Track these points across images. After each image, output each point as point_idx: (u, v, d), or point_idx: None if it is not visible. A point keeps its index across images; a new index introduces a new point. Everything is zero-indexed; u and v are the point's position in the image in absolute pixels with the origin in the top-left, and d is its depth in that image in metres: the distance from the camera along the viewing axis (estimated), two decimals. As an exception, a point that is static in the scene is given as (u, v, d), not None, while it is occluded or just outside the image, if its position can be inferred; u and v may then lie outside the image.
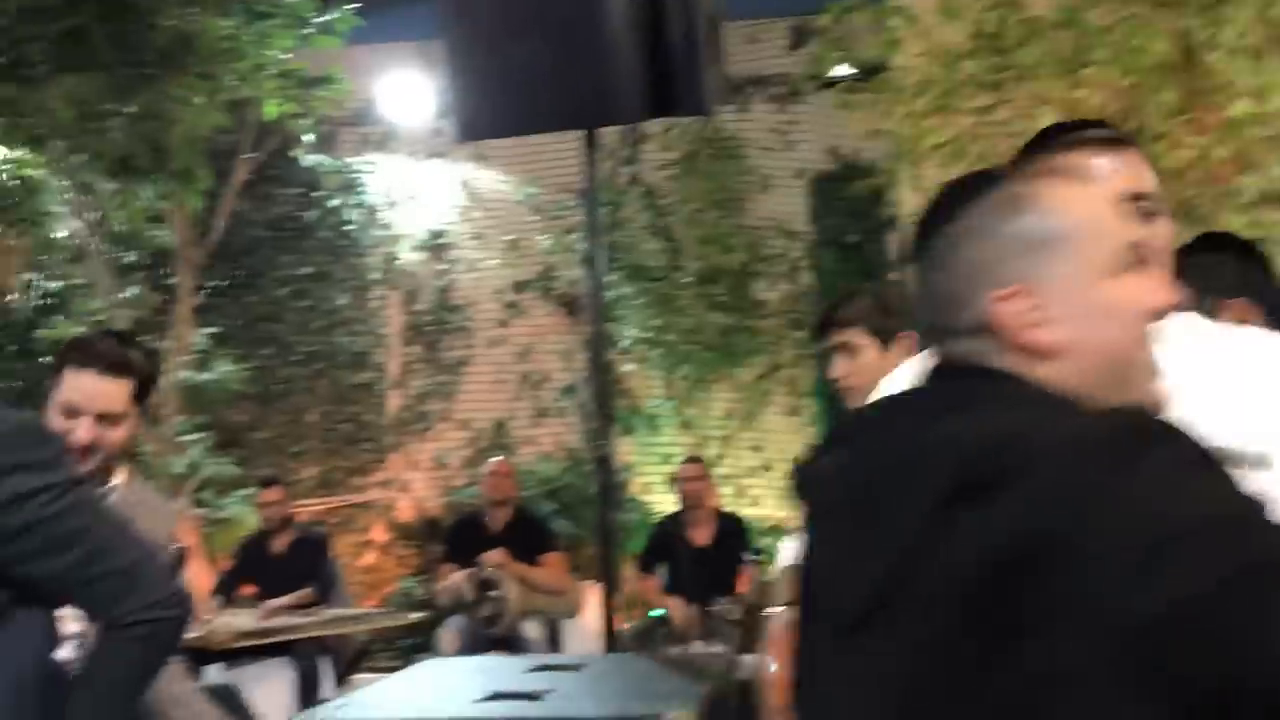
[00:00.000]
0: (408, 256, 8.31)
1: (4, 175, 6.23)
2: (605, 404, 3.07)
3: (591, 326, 2.96)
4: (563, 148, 7.94)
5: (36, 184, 6.45)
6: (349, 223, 8.34)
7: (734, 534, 5.68)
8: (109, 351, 1.97)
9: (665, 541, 5.71)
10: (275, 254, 8.36)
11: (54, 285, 8.20)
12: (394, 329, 8.31)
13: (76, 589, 1.52)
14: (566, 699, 1.90)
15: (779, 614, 2.05)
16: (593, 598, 6.66)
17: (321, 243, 8.35)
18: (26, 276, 8.29)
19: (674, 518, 5.91)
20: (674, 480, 6.22)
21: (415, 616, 6.10)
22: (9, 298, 7.89)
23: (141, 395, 2.02)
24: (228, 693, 4.32)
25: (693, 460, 6.01)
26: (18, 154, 6.25)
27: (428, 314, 8.27)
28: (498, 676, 2.15)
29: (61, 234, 7.52)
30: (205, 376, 7.31)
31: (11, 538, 1.44)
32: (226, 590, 5.99)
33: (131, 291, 7.71)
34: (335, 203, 8.35)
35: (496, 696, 1.92)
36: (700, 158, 7.26)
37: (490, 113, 2.86)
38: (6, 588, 1.47)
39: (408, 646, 6.54)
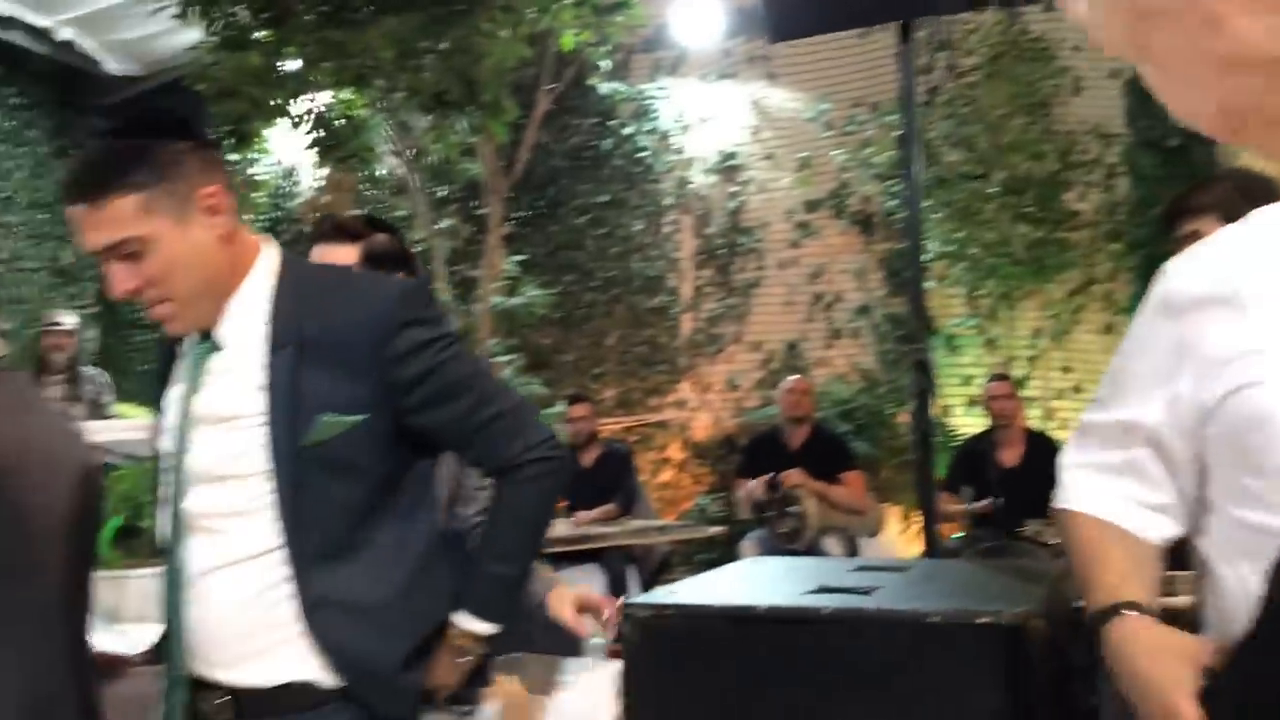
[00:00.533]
0: (699, 180, 8.37)
1: (333, 115, 6.72)
2: (920, 310, 2.97)
3: (906, 234, 2.86)
4: (856, 60, 7.74)
5: (361, 122, 6.92)
6: (642, 149, 8.49)
7: (1045, 454, 5.42)
8: (345, 223, 2.21)
9: (971, 462, 5.52)
10: (574, 183, 8.64)
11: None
12: (686, 253, 8.43)
13: (468, 435, 1.60)
14: (897, 595, 1.86)
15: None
16: (892, 517, 6.58)
17: (616, 170, 8.55)
18: (354, 212, 8.99)
19: (981, 437, 5.71)
20: (980, 400, 6.01)
21: (716, 530, 6.24)
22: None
23: (378, 264, 2.14)
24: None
25: (1001, 377, 5.76)
26: (345, 95, 6.74)
27: (719, 237, 8.32)
28: (821, 573, 2.14)
29: (383, 171, 8.08)
30: (515, 301, 7.70)
31: (410, 388, 1.54)
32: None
33: (447, 223, 8.21)
34: (629, 130, 8.51)
35: (824, 590, 1.92)
36: (1006, 60, 6.86)
37: (804, 11, 2.80)
38: (406, 442, 1.58)
39: (706, 561, 6.70)
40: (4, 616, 1.62)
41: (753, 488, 5.57)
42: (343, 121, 6.85)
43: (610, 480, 6.07)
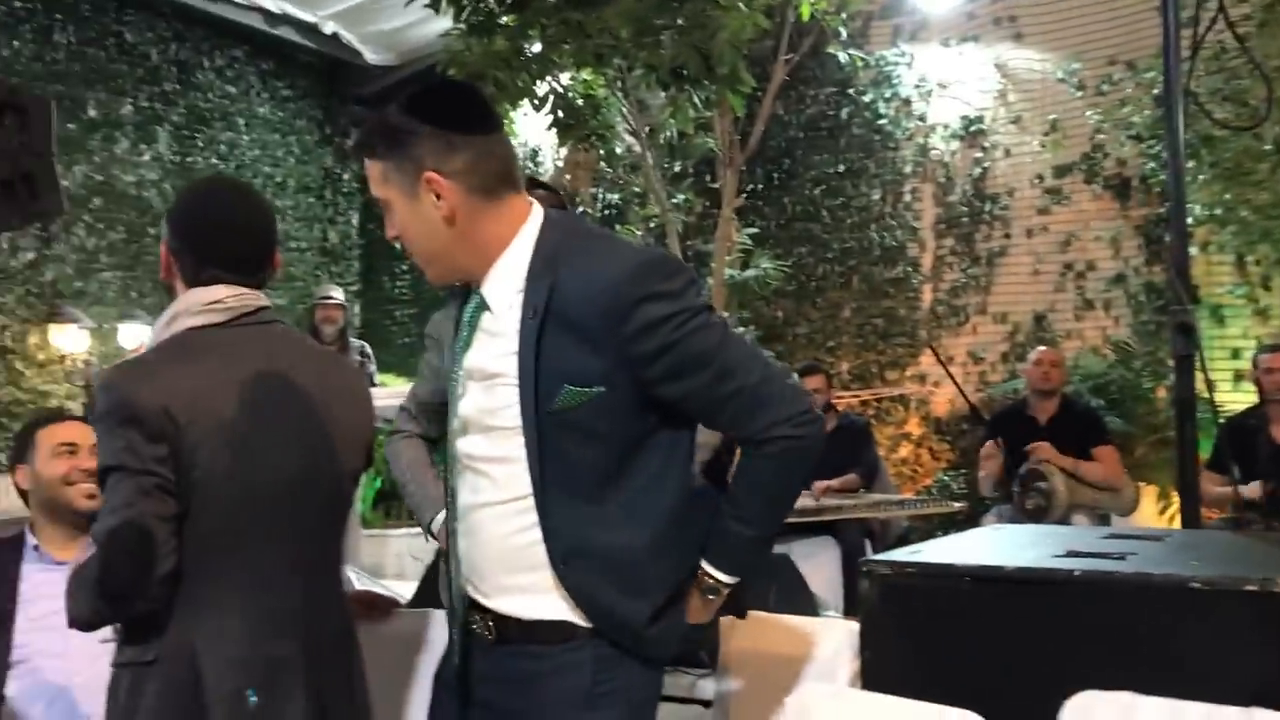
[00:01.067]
0: (941, 147, 8.12)
1: (573, 95, 6.91)
2: (1183, 277, 2.79)
3: (1167, 197, 2.68)
4: (1109, 16, 7.31)
5: (599, 102, 7.09)
6: (882, 117, 8.31)
7: (1326, 431, 4.99)
8: None
9: (1239, 440, 5.13)
10: (810, 153, 8.56)
11: (614, 196, 9.07)
12: (927, 222, 8.20)
13: (711, 408, 1.60)
14: (1152, 561, 1.78)
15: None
16: (1147, 496, 6.21)
17: (854, 139, 8.41)
18: (590, 190, 9.23)
19: (1250, 413, 5.31)
20: (1248, 374, 5.58)
21: (957, 506, 6.08)
22: (580, 208, 8.84)
23: None
24: (783, 560, 4.57)
25: (1272, 348, 5.32)
26: (584, 75, 6.92)
27: (962, 205, 8.05)
28: (1069, 539, 2.07)
29: (619, 149, 8.25)
30: (748, 274, 7.72)
31: (649, 361, 1.56)
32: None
33: (681, 198, 8.31)
34: (868, 98, 8.35)
35: (1074, 554, 1.85)
36: (1281, 8, 6.31)
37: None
38: (653, 410, 1.61)
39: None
40: (225, 579, 1.77)
41: (999, 469, 5.38)
42: (581, 101, 7.04)
43: (847, 452, 6.00)
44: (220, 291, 1.85)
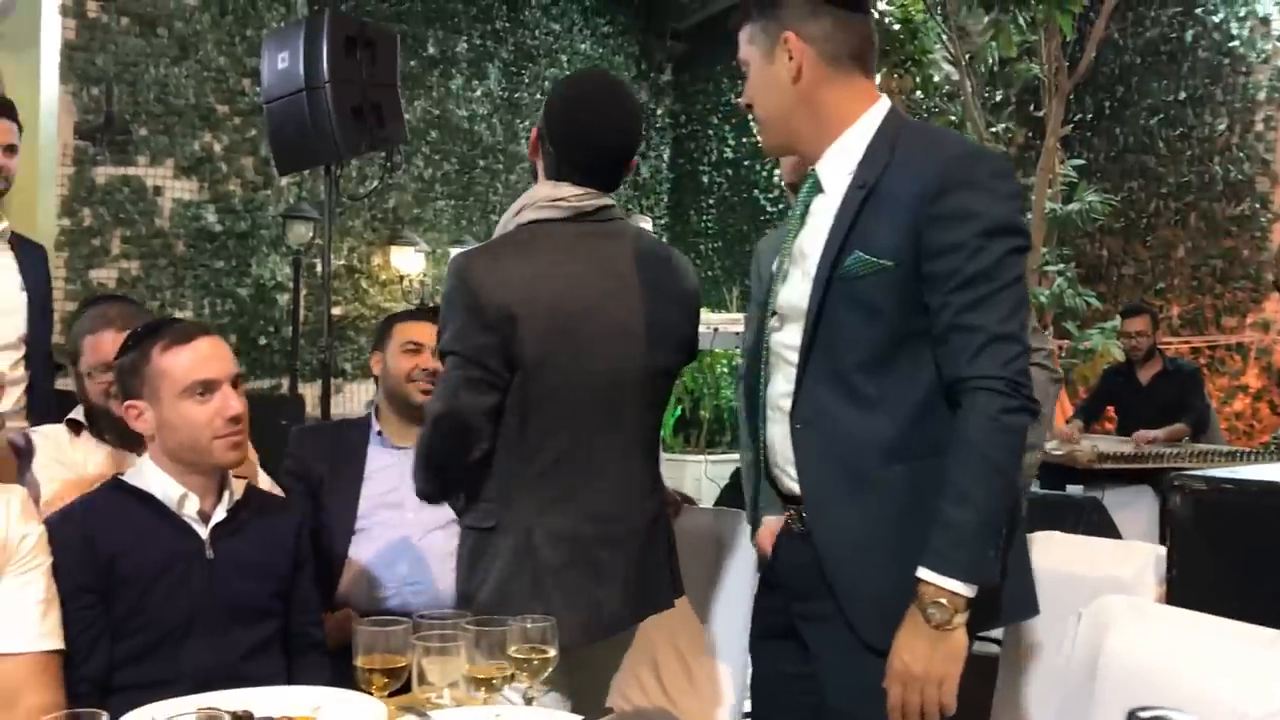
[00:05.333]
0: (1302, 70, 7.30)
1: (890, 19, 6.73)
2: None
3: None
4: None
5: (916, 27, 6.87)
6: (1233, 38, 7.55)
7: None
8: None
9: None
10: (1146, 79, 7.92)
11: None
12: (1280, 155, 7.41)
13: (944, 328, 1.51)
14: None
15: None
16: None
17: (1199, 63, 7.69)
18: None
19: None
20: None
21: (1300, 462, 5.53)
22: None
23: None
24: (1094, 504, 4.36)
25: None
26: (902, -1, 6.73)
27: (1325, 135, 7.22)
28: None
29: (936, 76, 7.96)
30: (1071, 208, 7.28)
31: (933, 254, 1.52)
32: (1087, 416, 6.05)
33: (1001, 127, 7.93)
34: (1217, 17, 7.60)
35: None
36: None
37: None
38: (917, 314, 1.55)
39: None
40: (552, 460, 1.89)
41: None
42: (898, 26, 6.85)
43: (1170, 400, 5.60)
44: (566, 190, 1.95)
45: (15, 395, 2.88)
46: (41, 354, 3.01)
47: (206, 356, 1.83)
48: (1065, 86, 6.82)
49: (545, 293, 1.89)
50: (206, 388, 1.81)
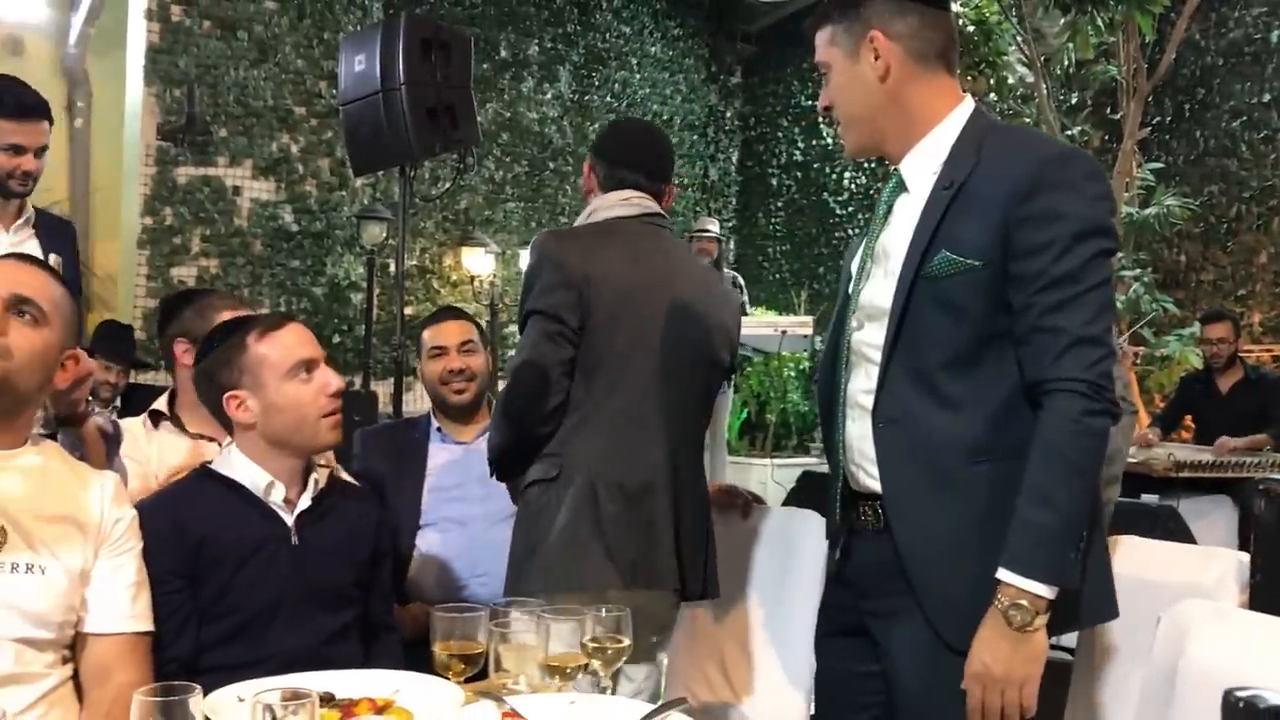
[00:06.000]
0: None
1: (964, 20, 6.66)
2: None
3: None
4: None
5: (992, 27, 6.79)
6: (1320, 38, 7.37)
7: None
8: None
9: None
10: (1229, 81, 7.75)
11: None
12: (1370, 158, 7.21)
13: (1027, 329, 1.51)
14: None
15: None
16: None
17: (1283, 65, 7.53)
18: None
19: None
20: None
21: (1384, 475, 5.37)
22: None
23: None
24: (1170, 513, 4.28)
25: None
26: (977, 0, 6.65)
27: None
28: None
29: (1010, 79, 7.87)
30: (1148, 212, 7.15)
31: (1020, 254, 1.51)
32: (1165, 425, 5.93)
33: (1076, 130, 7.81)
34: (1305, 17, 7.43)
35: None
36: None
37: None
38: (1002, 314, 1.53)
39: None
40: (611, 416, 2.11)
41: None
42: (972, 28, 6.77)
43: (1252, 408, 5.48)
44: (629, 193, 2.24)
45: None
46: None
47: (302, 338, 1.91)
48: (1144, 88, 6.71)
49: (618, 265, 2.15)
50: (308, 366, 1.88)
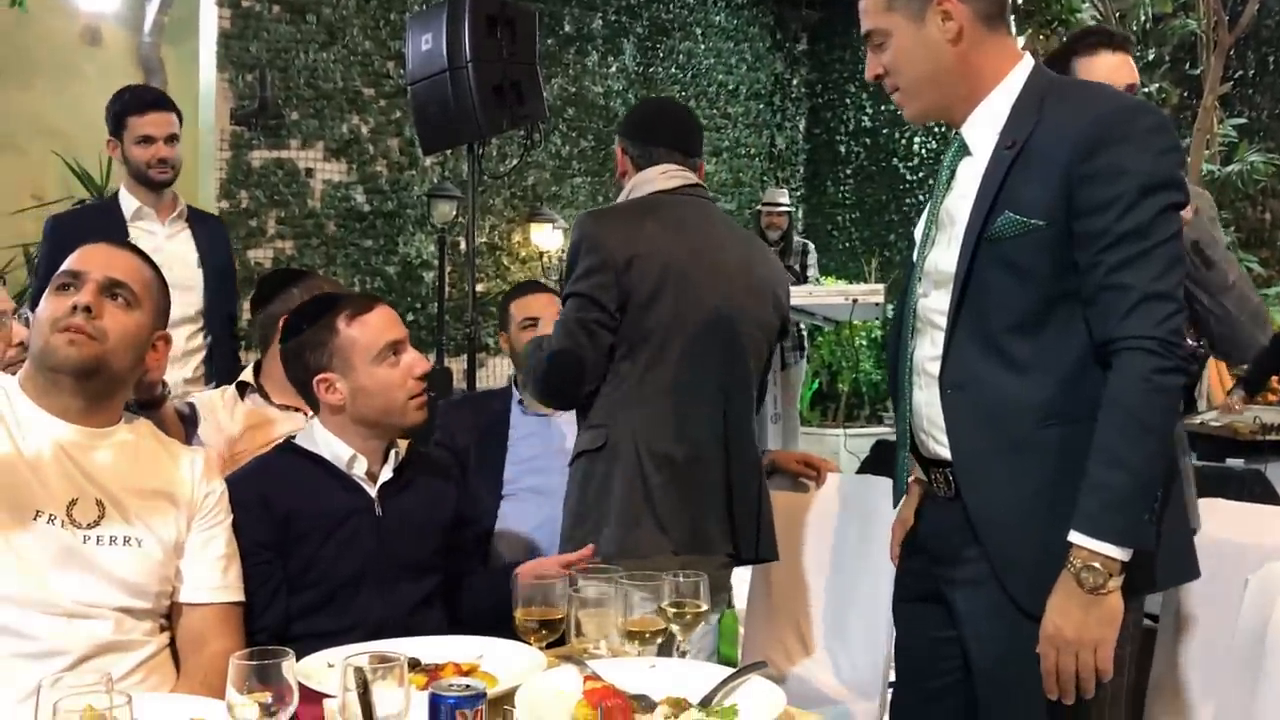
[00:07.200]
0: None
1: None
2: None
3: None
4: None
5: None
6: None
7: None
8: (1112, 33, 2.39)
9: None
10: (1315, 32, 7.48)
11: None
12: None
13: (1094, 287, 1.48)
14: None
15: None
16: None
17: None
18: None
19: None
20: None
21: None
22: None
23: None
24: (1257, 476, 4.19)
25: None
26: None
27: None
28: None
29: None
30: (1230, 169, 6.95)
31: (1084, 212, 1.48)
32: (1250, 387, 5.79)
33: (1155, 87, 7.61)
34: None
35: None
36: None
37: None
38: (1069, 274, 1.51)
39: None
40: (658, 387, 2.17)
41: None
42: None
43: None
44: (667, 166, 2.28)
45: (194, 364, 3.08)
46: (220, 322, 3.19)
47: (390, 320, 1.95)
48: (1226, 41, 6.51)
49: (660, 240, 2.19)
50: (395, 349, 1.92)
